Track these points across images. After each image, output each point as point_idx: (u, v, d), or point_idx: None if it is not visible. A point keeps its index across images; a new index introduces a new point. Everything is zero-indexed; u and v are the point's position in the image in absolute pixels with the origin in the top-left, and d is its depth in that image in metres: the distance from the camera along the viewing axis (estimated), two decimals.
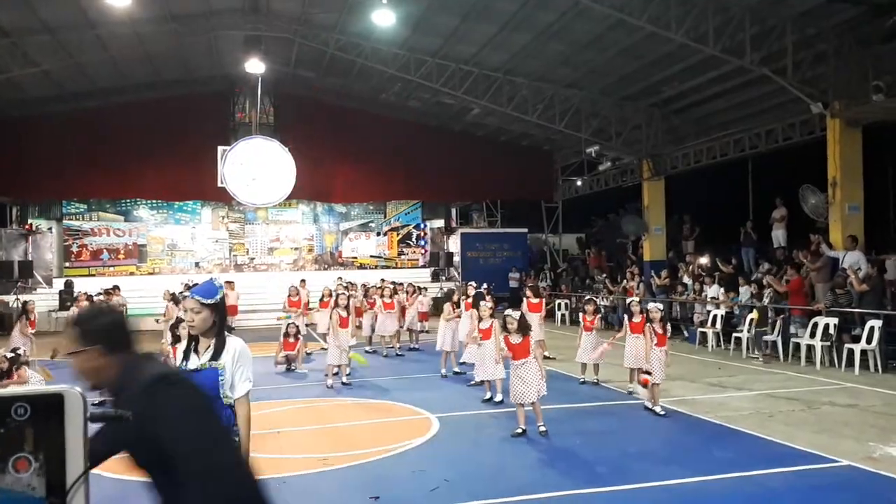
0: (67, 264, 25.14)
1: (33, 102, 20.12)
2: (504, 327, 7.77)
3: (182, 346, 3.73)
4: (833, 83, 13.54)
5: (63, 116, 21.27)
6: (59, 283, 22.45)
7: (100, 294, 18.33)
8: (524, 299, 12.90)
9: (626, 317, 9.94)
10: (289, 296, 15.44)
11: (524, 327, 7.74)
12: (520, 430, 7.46)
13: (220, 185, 21.45)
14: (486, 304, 9.80)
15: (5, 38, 15.53)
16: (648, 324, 8.75)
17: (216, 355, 3.52)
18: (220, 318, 3.61)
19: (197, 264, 26.67)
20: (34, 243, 24.21)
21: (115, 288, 19.38)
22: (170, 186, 23.60)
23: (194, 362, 3.55)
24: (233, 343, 3.58)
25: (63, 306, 19.46)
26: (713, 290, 15.26)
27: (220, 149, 21.46)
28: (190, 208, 26.93)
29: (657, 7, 13.22)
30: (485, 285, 14.64)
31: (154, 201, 26.08)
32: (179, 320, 7.63)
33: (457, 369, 11.81)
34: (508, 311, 8.02)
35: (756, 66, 13.61)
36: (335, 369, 11.01)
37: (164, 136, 22.00)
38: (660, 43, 14.64)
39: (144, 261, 26.25)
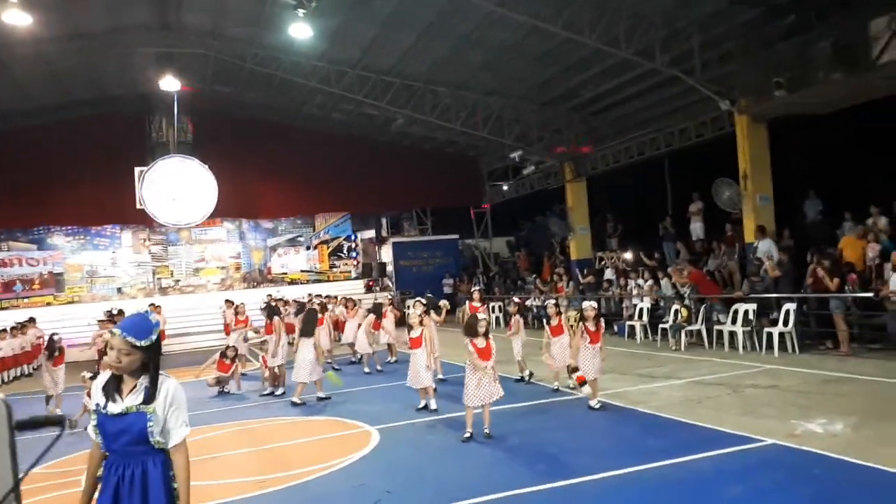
0: None
1: None
2: (472, 331, 7.66)
3: (99, 381, 3.24)
4: (739, 81, 14.23)
5: None
6: None
7: (14, 327, 17.44)
8: (467, 302, 13.07)
9: (544, 321, 10.14)
10: (236, 314, 14.93)
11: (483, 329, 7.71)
12: (468, 434, 7.48)
13: (139, 206, 20.71)
14: (416, 312, 9.80)
15: None
16: (581, 322, 8.93)
17: (147, 399, 3.13)
18: (153, 359, 3.21)
19: (119, 290, 25.63)
20: None
21: (31, 320, 18.46)
22: (86, 211, 22.65)
23: (117, 406, 3.14)
24: (165, 385, 3.20)
25: None
26: (638, 283, 15.76)
27: (137, 170, 20.76)
28: (109, 233, 25.86)
29: (571, 13, 13.58)
30: (429, 294, 14.72)
31: (70, 227, 24.93)
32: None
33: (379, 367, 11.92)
34: (482, 315, 8.03)
35: (666, 67, 14.17)
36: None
37: (79, 158, 21.13)
38: (575, 48, 15.05)
39: (62, 290, 25.02)
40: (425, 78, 18.60)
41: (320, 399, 10.61)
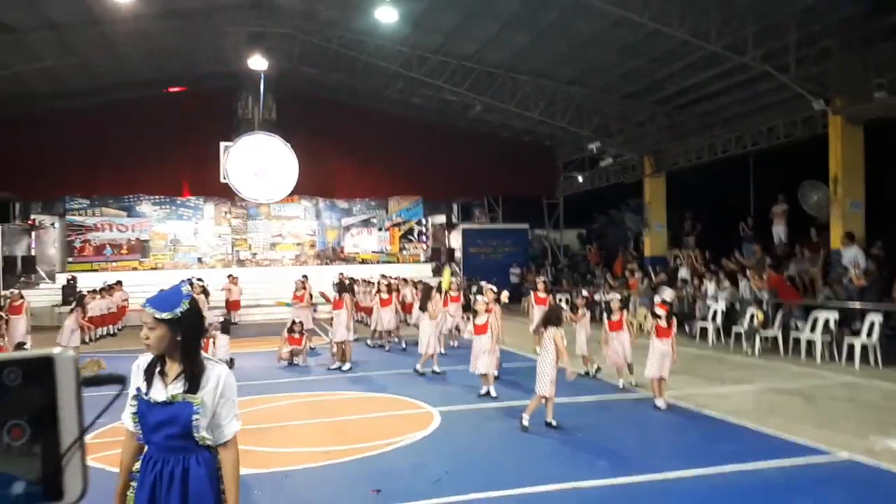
0: (70, 259, 25.21)
1: (37, 98, 20.17)
2: (558, 321, 7.63)
3: (140, 363, 2.84)
4: (835, 80, 13.56)
5: (66, 112, 21.33)
6: (61, 279, 22.54)
7: (103, 289, 18.47)
8: (531, 293, 13.04)
9: (605, 315, 10.00)
10: (294, 290, 15.46)
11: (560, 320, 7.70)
12: (527, 423, 7.48)
13: (222, 181, 21.51)
14: (483, 299, 9.83)
15: (10, 34, 15.57)
16: (652, 317, 8.79)
17: (192, 387, 2.75)
18: (187, 338, 2.77)
19: (200, 259, 26.74)
20: (37, 239, 24.31)
21: (118, 283, 19.50)
22: (173, 182, 23.68)
23: (159, 392, 2.77)
24: (215, 372, 2.82)
25: (66, 301, 19.52)
26: (713, 286, 15.30)
27: (222, 145, 21.53)
28: (193, 204, 26.99)
29: (659, 4, 13.23)
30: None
31: (157, 197, 26.16)
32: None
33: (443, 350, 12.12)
34: (481, 297, 8.00)
35: (758, 62, 13.63)
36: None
37: (168, 132, 22.05)
38: (662, 40, 14.64)
39: (147, 256, 26.31)
40: (506, 65, 18.51)
41: (435, 373, 11.16)
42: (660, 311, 8.73)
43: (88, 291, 17.35)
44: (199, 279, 18.09)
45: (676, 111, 19.51)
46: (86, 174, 22.30)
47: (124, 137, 21.85)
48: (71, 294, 19.62)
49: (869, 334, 11.20)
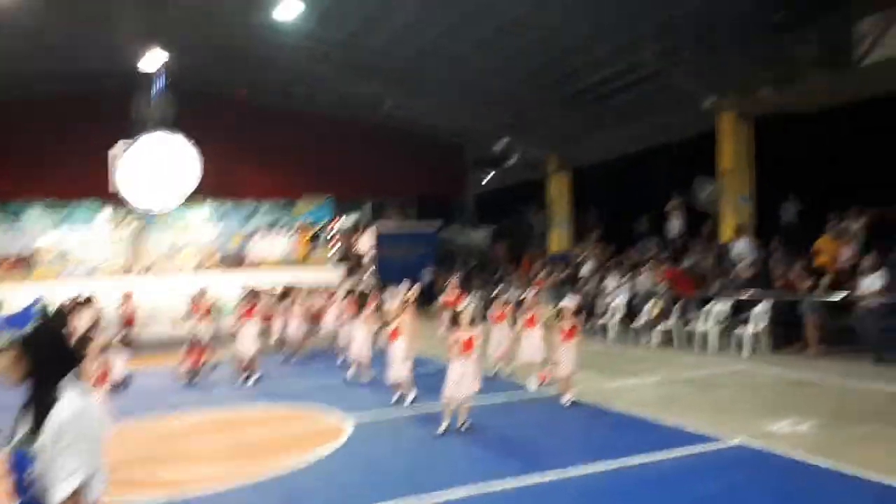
0: None
1: None
2: (454, 321, 7.64)
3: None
4: (724, 78, 14.15)
5: None
6: None
7: None
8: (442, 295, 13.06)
9: (518, 312, 10.19)
10: (192, 302, 14.80)
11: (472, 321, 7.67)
12: (443, 428, 7.46)
13: (111, 190, 20.32)
14: (394, 302, 9.71)
15: None
16: (559, 318, 8.96)
17: (32, 432, 2.25)
18: (39, 364, 2.29)
19: (91, 271, 25.15)
20: None
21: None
22: (62, 187, 22.23)
23: (20, 433, 2.30)
24: (54, 415, 2.23)
25: None
26: (614, 280, 15.83)
27: (112, 149, 20.34)
28: (84, 212, 25.38)
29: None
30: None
31: (45, 203, 24.42)
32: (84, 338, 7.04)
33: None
34: (464, 305, 7.95)
35: (653, 60, 14.05)
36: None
37: (58, 133, 20.68)
38: (566, 36, 14.81)
39: (32, 269, 24.51)
40: (415, 59, 18.34)
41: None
42: (566, 312, 8.89)
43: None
44: (78, 296, 17.08)
45: (579, 108, 19.98)
46: None
47: (6, 138, 20.37)
48: None
49: (757, 324, 11.88)
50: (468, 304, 7.92)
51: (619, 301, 15.23)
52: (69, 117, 20.64)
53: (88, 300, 17.47)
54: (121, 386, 11.33)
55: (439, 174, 25.83)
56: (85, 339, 6.91)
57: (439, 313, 15.67)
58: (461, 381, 7.43)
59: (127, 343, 12.82)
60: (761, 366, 10.81)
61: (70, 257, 25.16)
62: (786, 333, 12.08)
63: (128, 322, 19.04)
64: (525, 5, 14.46)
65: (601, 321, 15.35)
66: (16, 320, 2.49)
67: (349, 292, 14.25)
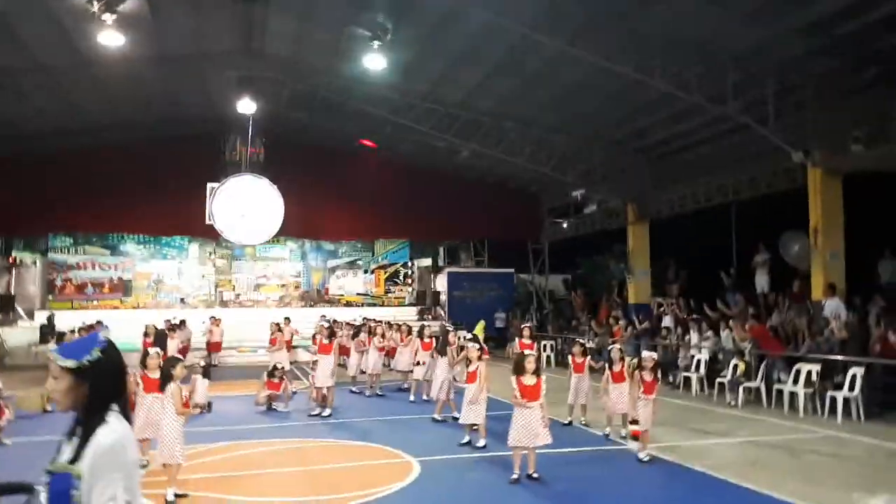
0: (51, 297, 24.87)
1: (26, 138, 20.12)
2: (520, 368, 7.56)
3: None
4: (814, 132, 13.82)
5: (55, 151, 21.29)
6: (41, 317, 22.16)
7: (82, 328, 18.16)
8: (516, 339, 12.95)
9: (607, 365, 9.94)
10: (270, 334, 15.33)
11: (537, 369, 7.63)
12: (514, 476, 7.34)
13: (208, 222, 21.42)
14: (475, 346, 9.73)
15: (2, 76, 15.62)
16: (638, 371, 8.74)
17: (77, 454, 2.25)
18: (94, 393, 2.34)
19: (182, 300, 26.48)
20: (17, 276, 23.98)
21: (98, 322, 19.19)
22: (158, 222, 23.60)
23: (63, 455, 2.29)
24: (99, 437, 2.25)
25: (44, 340, 19.17)
26: (697, 334, 15.30)
27: (209, 186, 21.50)
28: (177, 244, 26.87)
29: (641, 55, 13.52)
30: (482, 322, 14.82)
31: (141, 236, 26.02)
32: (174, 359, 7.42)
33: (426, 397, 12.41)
34: (528, 352, 7.92)
35: (738, 114, 13.89)
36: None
37: (155, 172, 22.06)
38: (645, 90, 14.93)
39: (129, 295, 26.03)
40: (492, 112, 18.78)
41: (435, 420, 11.05)
42: (647, 365, 8.67)
43: (69, 331, 17.07)
44: (170, 320, 18.02)
45: (659, 159, 19.81)
46: (69, 212, 22.18)
47: (112, 176, 21.80)
48: (49, 333, 19.28)
49: (851, 388, 11.18)
50: (531, 352, 7.86)
51: (702, 356, 14.69)
52: (163, 159, 22.03)
53: (182, 323, 18.43)
54: (203, 410, 11.75)
55: (514, 220, 25.99)
56: (174, 360, 7.24)
57: (510, 357, 15.56)
58: (527, 429, 7.32)
59: (210, 370, 13.31)
60: (854, 433, 10.12)
61: (163, 285, 26.60)
62: (883, 400, 11.30)
63: (213, 348, 19.81)
64: (588, 71, 14.64)
65: (684, 374, 14.81)
66: (74, 347, 2.54)
67: (422, 331, 14.35)
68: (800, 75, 13.36)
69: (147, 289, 26.48)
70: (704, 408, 12.66)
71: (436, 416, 11.22)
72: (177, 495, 6.64)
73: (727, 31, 12.57)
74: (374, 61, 15.04)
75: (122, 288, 25.98)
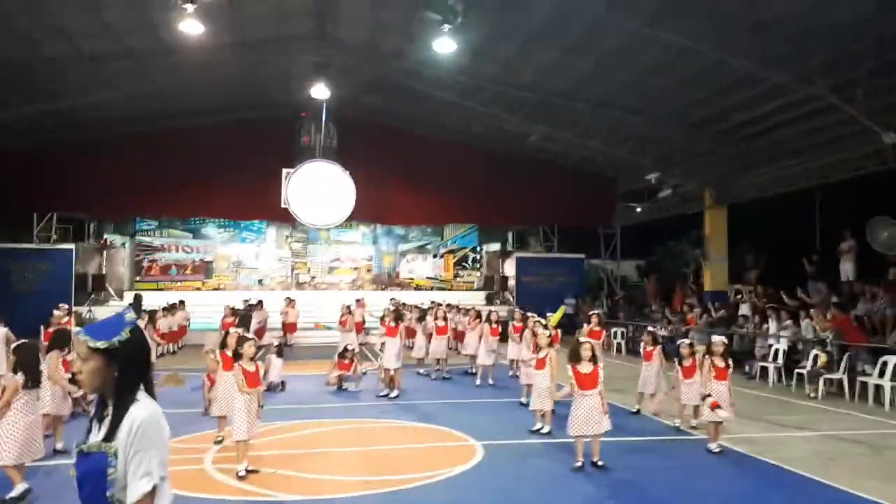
0: (138, 278, 26.25)
1: (113, 123, 21.15)
2: (576, 356, 7.51)
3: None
4: None
5: (140, 137, 22.29)
6: (129, 296, 23.43)
7: (166, 308, 19.10)
8: (585, 326, 12.80)
9: (676, 361, 9.68)
10: (340, 315, 15.64)
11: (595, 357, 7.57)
12: (578, 464, 7.30)
13: (283, 206, 22.05)
14: (545, 333, 9.69)
15: (91, 62, 16.47)
16: (708, 356, 8.51)
17: (110, 433, 2.30)
18: (124, 373, 2.37)
19: (260, 281, 27.42)
20: (108, 258, 25.38)
21: (181, 302, 20.14)
22: (236, 206, 24.41)
23: (93, 436, 2.36)
24: (134, 413, 2.31)
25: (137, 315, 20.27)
26: (775, 323, 14.70)
27: (284, 171, 22.10)
28: (255, 227, 27.80)
29: (725, 34, 12.96)
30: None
31: (222, 220, 27.03)
32: (242, 338, 7.68)
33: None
34: (584, 339, 7.85)
35: (826, 94, 13.18)
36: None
37: (234, 157, 22.77)
38: (728, 70, 14.34)
39: (210, 277, 27.17)
40: (566, 94, 18.43)
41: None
42: (717, 350, 8.42)
43: (151, 310, 17.97)
44: (248, 301, 18.63)
45: (741, 142, 19.02)
46: (155, 197, 23.18)
47: (193, 161, 22.66)
48: (137, 311, 20.34)
49: None
50: (587, 340, 7.74)
51: (780, 345, 14.12)
52: (241, 144, 22.67)
53: (260, 303, 19.12)
54: (277, 388, 12.19)
55: (586, 205, 25.51)
56: (243, 339, 7.51)
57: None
58: (586, 417, 7.26)
59: (283, 349, 13.76)
60: None
61: (242, 267, 27.63)
62: None
63: (288, 329, 20.47)
64: (667, 51, 14.15)
65: (761, 364, 14.29)
66: (103, 328, 2.60)
67: (489, 316, 14.35)
68: (892, 54, 12.48)
69: (227, 271, 27.56)
70: (782, 399, 12.18)
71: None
72: (248, 470, 6.92)
73: (819, 7, 11.87)
74: (445, 45, 15.02)
75: (204, 270, 27.13)
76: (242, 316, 14.91)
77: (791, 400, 12.11)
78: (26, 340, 7.36)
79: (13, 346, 7.23)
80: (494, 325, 13.78)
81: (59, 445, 7.82)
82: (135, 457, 2.25)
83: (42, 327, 12.29)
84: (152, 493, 2.26)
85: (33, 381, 6.47)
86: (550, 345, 9.34)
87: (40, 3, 13.37)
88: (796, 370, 13.11)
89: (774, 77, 13.39)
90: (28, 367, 6.47)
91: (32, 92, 17.11)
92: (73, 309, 18.13)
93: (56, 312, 13.89)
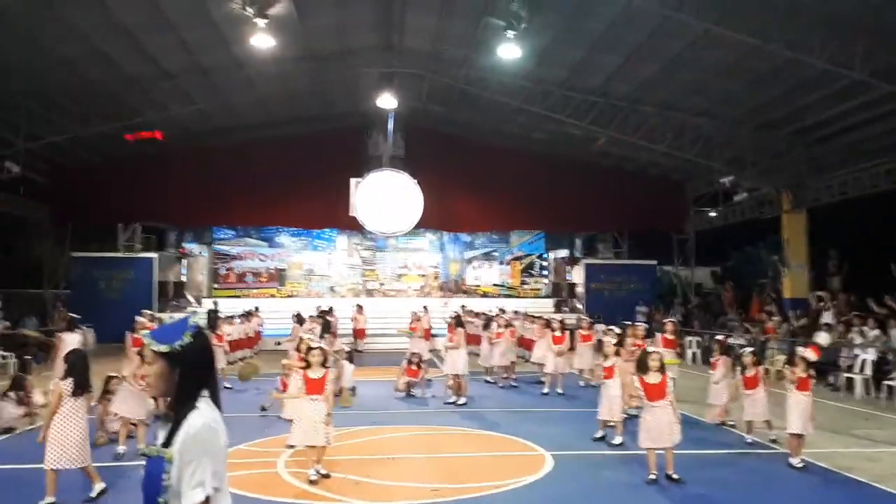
0: (216, 286, 27.24)
1: (190, 137, 22.08)
2: (643, 367, 7.34)
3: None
4: None
5: (216, 150, 23.19)
6: (207, 303, 24.31)
7: (242, 315, 19.70)
8: (658, 335, 12.51)
9: (738, 370, 9.32)
10: (410, 321, 15.79)
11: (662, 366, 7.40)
12: (652, 477, 7.12)
13: (351, 214, 22.46)
14: (611, 341, 9.56)
15: (170, 80, 17.25)
16: (790, 367, 8.15)
17: (169, 438, 2.32)
18: (185, 377, 2.37)
19: (332, 288, 28.00)
20: (187, 266, 26.44)
21: (256, 309, 20.75)
22: (308, 215, 25.04)
23: (158, 440, 2.40)
24: (191, 420, 2.30)
25: (211, 325, 21.00)
26: (861, 332, 13.96)
27: (352, 180, 22.51)
28: (327, 236, 28.46)
29: (797, 31, 12.50)
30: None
31: (295, 229, 27.78)
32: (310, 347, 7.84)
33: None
34: (652, 349, 7.69)
35: None
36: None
37: (304, 167, 23.39)
38: (801, 68, 13.81)
39: (284, 284, 27.94)
40: (631, 98, 18.14)
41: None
42: (811, 355, 8.04)
43: (227, 317, 18.57)
44: (320, 307, 18.98)
45: (818, 143, 18.23)
46: (231, 206, 24.05)
47: (266, 172, 23.41)
48: (215, 319, 21.09)
49: None
50: (654, 349, 7.53)
51: (867, 356, 13.40)
52: (312, 155, 23.26)
53: (331, 310, 19.50)
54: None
55: (656, 209, 24.96)
56: (310, 348, 7.63)
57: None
58: (656, 429, 7.09)
59: (353, 356, 13.96)
60: None
61: (314, 275, 28.32)
62: None
63: (358, 335, 20.79)
64: (736, 51, 13.72)
65: (846, 375, 13.60)
66: (166, 332, 2.63)
67: (549, 323, 14.20)
68: None
69: (300, 278, 28.28)
70: (869, 412, 11.56)
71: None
72: (320, 474, 7.05)
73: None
74: (510, 50, 15.01)
75: (278, 277, 27.95)
76: (325, 322, 15.10)
77: (881, 413, 11.48)
78: (77, 348, 7.55)
79: (64, 353, 7.27)
80: (558, 334, 13.60)
81: (141, 447, 8.14)
82: (188, 465, 2.23)
83: (128, 332, 12.86)
84: (205, 503, 2.24)
85: (81, 387, 6.42)
86: (618, 353, 9.16)
87: (123, 28, 14.11)
88: (886, 382, 12.41)
89: (851, 74, 12.77)
90: (77, 373, 6.44)
91: (115, 109, 18.05)
92: (156, 315, 18.93)
93: (139, 318, 14.55)
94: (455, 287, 28.76)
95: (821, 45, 12.61)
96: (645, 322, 22.96)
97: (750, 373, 9.08)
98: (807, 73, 14.11)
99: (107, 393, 8.95)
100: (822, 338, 8.27)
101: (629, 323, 13.25)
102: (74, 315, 13.95)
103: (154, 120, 19.27)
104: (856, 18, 12.05)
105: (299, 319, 16.31)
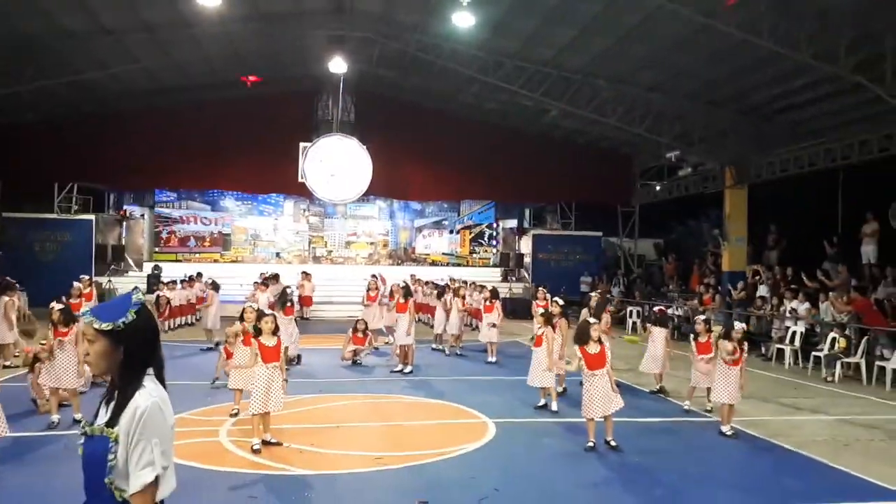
0: (157, 249, 26.52)
1: (132, 96, 21.23)
2: (583, 337, 7.48)
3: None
4: None
5: (159, 110, 22.38)
6: (148, 267, 23.70)
7: (184, 280, 19.30)
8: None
9: (692, 336, 9.63)
10: (367, 289, 15.64)
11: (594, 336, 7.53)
12: (591, 444, 7.33)
13: (300, 180, 22.08)
14: (539, 311, 9.76)
15: (109, 35, 16.48)
16: (723, 341, 8.46)
17: (113, 417, 2.25)
18: (129, 355, 2.30)
19: (278, 254, 27.61)
20: (128, 229, 25.64)
21: (198, 275, 20.32)
22: (254, 179, 24.49)
23: (99, 419, 2.31)
24: (137, 400, 2.24)
25: (150, 290, 20.51)
26: (794, 305, 14.56)
27: (301, 145, 22.07)
28: (273, 200, 27.93)
29: (748, 12, 12.68)
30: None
31: (239, 193, 27.16)
32: (261, 313, 7.80)
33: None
34: (592, 320, 7.83)
35: (850, 73, 12.89)
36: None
37: (251, 131, 22.80)
38: (750, 48, 14.05)
39: (228, 249, 27.39)
40: (584, 71, 18.20)
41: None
42: (735, 336, 8.35)
43: (168, 282, 18.15)
44: (275, 274, 18.73)
45: (762, 121, 18.70)
46: (173, 169, 23.31)
47: (211, 134, 22.73)
48: (156, 283, 20.59)
49: None
50: (594, 321, 7.71)
51: (798, 328, 14.00)
52: (259, 118, 22.65)
53: (276, 276, 19.23)
54: (293, 362, 12.32)
55: (604, 182, 25.29)
56: (260, 314, 7.57)
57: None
58: (597, 398, 7.29)
59: (302, 321, 13.86)
60: None
61: (259, 240, 27.84)
62: None
63: (304, 302, 20.60)
64: (689, 28, 13.87)
65: (777, 346, 14.20)
66: (109, 309, 2.51)
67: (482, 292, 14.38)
68: None
69: (245, 243, 27.76)
70: (798, 382, 12.12)
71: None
72: (267, 442, 7.02)
73: None
74: (463, 18, 14.85)
75: (222, 242, 27.36)
76: (282, 292, 14.80)
77: (807, 383, 12.05)
78: None
79: None
80: (488, 303, 13.75)
81: (77, 416, 7.94)
82: (137, 445, 2.18)
83: (64, 298, 12.44)
84: (154, 483, 2.18)
85: None
86: (548, 323, 9.32)
87: None
88: (813, 353, 13.02)
89: (796, 57, 13.09)
90: None
91: (52, 65, 17.16)
92: (94, 279, 18.36)
93: (77, 284, 14.09)
94: (405, 255, 28.73)
95: (769, 28, 12.84)
96: (588, 291, 23.58)
97: (703, 339, 9.37)
98: (755, 54, 14.36)
99: (36, 361, 8.64)
100: (738, 326, 8.58)
101: (594, 294, 13.48)
102: (9, 279, 13.36)
103: (96, 77, 18.44)
104: (802, 3, 12.30)
105: (265, 283, 16.13)
